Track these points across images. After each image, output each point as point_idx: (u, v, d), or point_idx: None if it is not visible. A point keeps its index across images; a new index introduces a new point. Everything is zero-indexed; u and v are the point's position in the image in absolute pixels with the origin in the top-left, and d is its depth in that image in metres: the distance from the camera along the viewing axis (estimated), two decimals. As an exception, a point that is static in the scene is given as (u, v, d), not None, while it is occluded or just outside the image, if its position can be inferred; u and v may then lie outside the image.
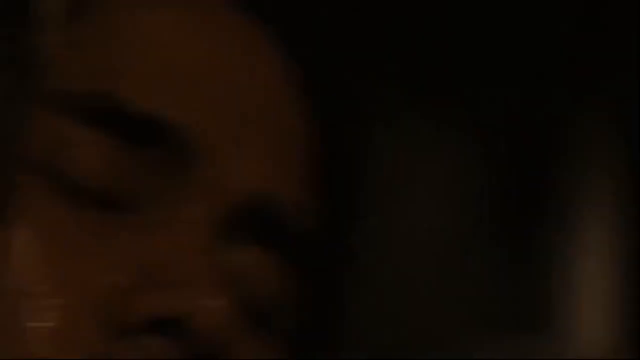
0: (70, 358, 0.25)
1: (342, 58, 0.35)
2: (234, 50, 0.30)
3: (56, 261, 0.27)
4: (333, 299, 0.34)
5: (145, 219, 0.27)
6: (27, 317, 0.26)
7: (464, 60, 1.56)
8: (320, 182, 0.31)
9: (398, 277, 1.44)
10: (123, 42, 0.29)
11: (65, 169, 0.27)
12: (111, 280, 0.27)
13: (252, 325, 0.28)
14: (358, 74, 0.36)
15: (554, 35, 1.65)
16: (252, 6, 0.30)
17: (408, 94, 1.52)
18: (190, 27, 0.30)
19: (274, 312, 0.29)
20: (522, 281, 1.67)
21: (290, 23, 0.31)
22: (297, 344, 0.32)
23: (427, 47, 1.55)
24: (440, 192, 1.55)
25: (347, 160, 0.34)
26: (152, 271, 0.27)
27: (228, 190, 0.28)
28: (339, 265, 0.34)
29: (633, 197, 1.71)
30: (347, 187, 0.35)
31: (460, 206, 1.61)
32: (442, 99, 1.57)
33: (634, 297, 1.62)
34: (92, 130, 0.27)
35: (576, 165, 1.75)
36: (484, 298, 1.62)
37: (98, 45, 0.28)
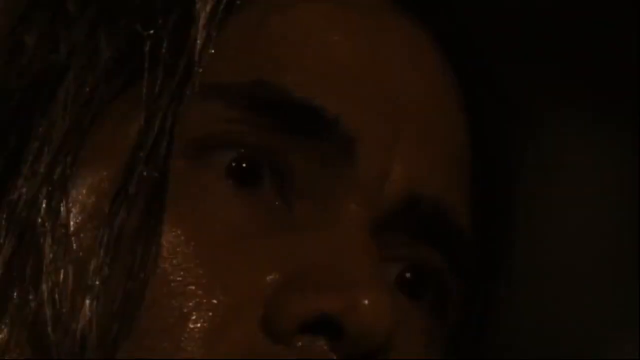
0: (228, 358, 0.27)
1: (498, 56, 0.37)
2: (393, 48, 0.32)
3: (210, 259, 0.28)
4: (487, 300, 0.36)
5: (302, 218, 0.29)
6: (182, 317, 0.28)
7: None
8: (473, 182, 0.33)
9: (550, 279, 1.49)
10: (277, 36, 0.30)
11: (220, 157, 0.29)
12: (267, 280, 0.28)
13: (412, 320, 0.31)
14: (517, 74, 0.38)
15: None
16: (411, 6, 0.33)
17: (570, 96, 1.53)
18: (347, 24, 0.32)
19: (432, 309, 0.31)
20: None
21: (448, 22, 0.34)
22: (457, 339, 0.34)
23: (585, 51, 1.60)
24: (597, 194, 1.56)
25: (502, 162, 0.36)
26: (309, 271, 0.28)
27: (386, 192, 0.30)
28: (493, 266, 0.36)
29: None
30: (501, 189, 0.36)
31: (615, 209, 1.61)
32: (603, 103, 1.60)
33: None
34: (250, 119, 0.29)
35: None
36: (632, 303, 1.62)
37: (251, 39, 0.30)
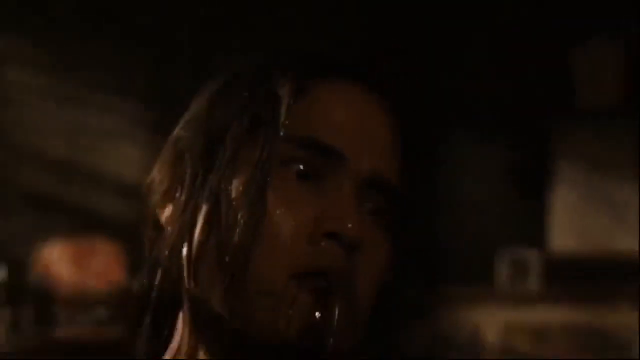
0: (290, 254, 0.35)
1: (414, 113, 0.45)
2: (368, 113, 0.40)
3: (287, 210, 0.36)
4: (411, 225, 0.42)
5: (326, 190, 0.36)
6: (275, 235, 0.35)
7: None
8: (405, 169, 0.41)
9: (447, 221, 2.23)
10: (319, 111, 0.38)
11: (292, 167, 0.37)
12: (308, 216, 0.36)
13: (376, 232, 0.37)
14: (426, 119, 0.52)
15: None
16: (378, 93, 0.41)
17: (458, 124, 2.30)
18: (348, 103, 0.39)
19: (386, 227, 0.38)
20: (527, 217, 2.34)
21: (395, 101, 0.41)
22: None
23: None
24: (477, 174, 2.29)
25: (421, 157, 0.45)
26: (329, 211, 0.36)
27: (361, 175, 0.37)
28: (416, 214, 0.43)
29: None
30: (421, 172, 0.45)
31: (489, 180, 2.34)
32: (479, 132, 2.33)
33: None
34: (305, 151, 0.36)
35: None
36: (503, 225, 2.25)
37: (307, 112, 0.38)
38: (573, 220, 2.30)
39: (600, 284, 2.11)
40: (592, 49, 2.31)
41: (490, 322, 2.11)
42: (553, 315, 2.11)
